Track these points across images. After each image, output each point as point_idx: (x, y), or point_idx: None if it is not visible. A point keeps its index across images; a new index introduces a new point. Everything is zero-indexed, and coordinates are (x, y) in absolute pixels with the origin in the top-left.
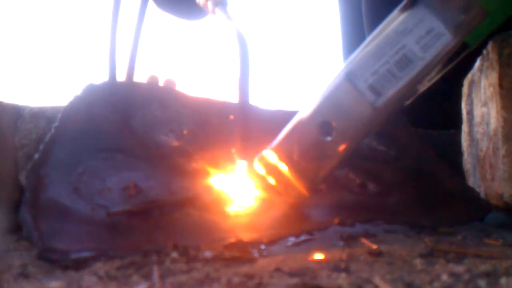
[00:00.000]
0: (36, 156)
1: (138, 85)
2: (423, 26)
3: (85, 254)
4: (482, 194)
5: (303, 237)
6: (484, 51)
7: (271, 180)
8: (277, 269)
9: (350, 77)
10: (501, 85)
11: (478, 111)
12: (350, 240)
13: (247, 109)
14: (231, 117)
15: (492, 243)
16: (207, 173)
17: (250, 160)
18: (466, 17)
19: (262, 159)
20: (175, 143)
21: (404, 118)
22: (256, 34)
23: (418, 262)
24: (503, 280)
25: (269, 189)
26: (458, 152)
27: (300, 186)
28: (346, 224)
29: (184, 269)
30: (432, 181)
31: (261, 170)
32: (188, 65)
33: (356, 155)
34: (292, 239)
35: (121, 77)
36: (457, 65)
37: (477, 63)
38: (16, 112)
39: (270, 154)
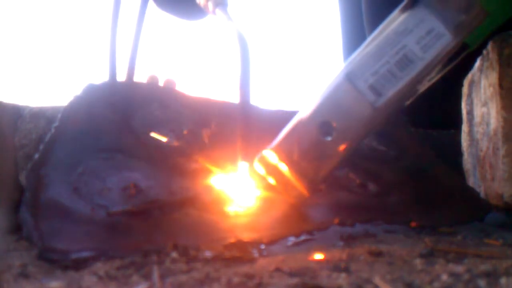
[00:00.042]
0: (36, 156)
1: (138, 85)
2: (423, 27)
3: (85, 254)
4: (482, 194)
5: (303, 237)
6: (484, 51)
7: (271, 180)
8: (277, 269)
9: (350, 77)
10: (501, 85)
11: (478, 111)
12: (350, 240)
13: (248, 109)
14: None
15: (492, 243)
16: (207, 173)
17: (250, 160)
18: (466, 18)
19: (262, 159)
20: (175, 143)
21: (404, 118)
22: (256, 34)
23: (418, 262)
24: (503, 280)
25: (269, 189)
26: (458, 152)
27: (300, 186)
28: (346, 224)
29: (184, 269)
30: (432, 181)
31: (261, 170)
32: (188, 65)
33: (356, 155)
34: (292, 239)
35: (121, 77)
36: (457, 65)
37: (477, 63)
38: (16, 112)
39: (270, 154)
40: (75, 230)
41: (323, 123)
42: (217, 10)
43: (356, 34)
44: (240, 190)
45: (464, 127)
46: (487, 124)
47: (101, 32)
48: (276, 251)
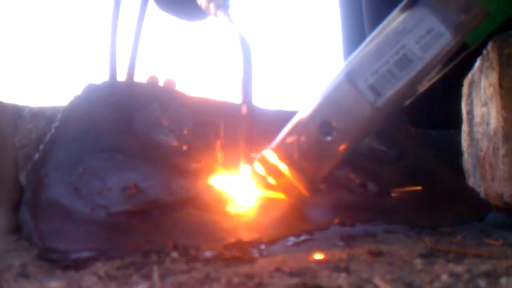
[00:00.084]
0: (36, 156)
1: (138, 85)
2: (423, 26)
3: (85, 254)
4: (482, 194)
5: (303, 237)
6: (484, 51)
7: (271, 180)
8: (277, 269)
9: (350, 77)
10: (501, 85)
11: (478, 111)
12: (350, 240)
13: (250, 110)
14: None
15: (492, 243)
16: (207, 173)
17: (251, 160)
18: (466, 17)
19: (262, 159)
20: (175, 143)
21: (404, 118)
22: (257, 35)
23: (418, 262)
24: (503, 280)
25: (269, 189)
26: (458, 152)
27: (300, 186)
28: (346, 224)
29: (184, 269)
30: (432, 181)
31: (261, 170)
32: (188, 65)
33: (356, 155)
34: (292, 239)
35: (121, 77)
36: (457, 65)
37: (477, 63)
38: (16, 112)
39: (270, 154)
40: (75, 230)
41: (323, 123)
42: (219, 13)
43: (356, 34)
44: (240, 190)
45: (464, 127)
46: (487, 124)
47: (101, 32)
48: (276, 251)
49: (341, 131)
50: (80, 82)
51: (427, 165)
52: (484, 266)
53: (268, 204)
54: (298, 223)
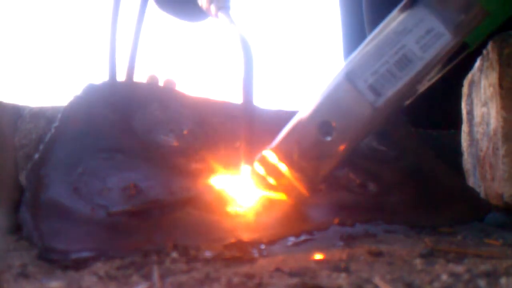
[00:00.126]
0: (36, 156)
1: (138, 85)
2: (423, 26)
3: (85, 254)
4: (482, 194)
5: (303, 237)
6: (484, 51)
7: (271, 180)
8: (277, 269)
9: (350, 77)
10: (501, 85)
11: (478, 111)
12: (350, 240)
13: (251, 110)
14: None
15: (492, 243)
16: (207, 173)
17: (252, 160)
18: (466, 17)
19: (262, 159)
20: (175, 143)
21: (404, 118)
22: (258, 35)
23: (418, 262)
24: (503, 280)
25: (269, 189)
26: (458, 152)
27: (300, 186)
28: (346, 224)
29: (184, 269)
30: (432, 181)
31: (261, 170)
32: (188, 65)
33: (356, 155)
34: (292, 239)
35: (121, 77)
36: (457, 65)
37: (477, 63)
38: (16, 112)
39: (270, 154)
40: (75, 230)
41: (323, 123)
42: (220, 14)
43: (356, 33)
44: (240, 190)
45: (464, 127)
46: (487, 124)
47: (101, 32)
48: (276, 251)
49: (341, 131)
50: (80, 82)
51: (427, 165)
52: (484, 266)
53: (268, 204)
54: (298, 223)
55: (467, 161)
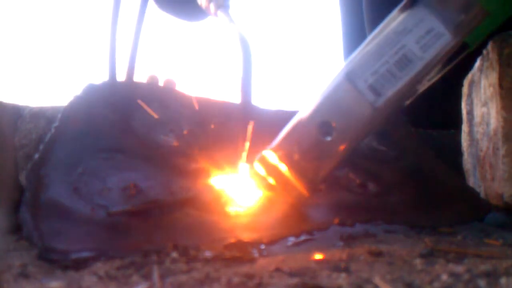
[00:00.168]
0: (36, 156)
1: (138, 85)
2: (423, 26)
3: (85, 254)
4: (482, 194)
5: (303, 237)
6: (484, 51)
7: (271, 180)
8: (277, 269)
9: (350, 77)
10: (501, 85)
11: (478, 111)
12: (350, 240)
13: (249, 110)
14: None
15: (492, 243)
16: (207, 173)
17: (251, 160)
18: (466, 17)
19: (262, 159)
20: (175, 143)
21: (404, 118)
22: (257, 35)
23: (418, 262)
24: (503, 280)
25: (269, 189)
26: (458, 152)
27: (300, 186)
28: (346, 224)
29: (184, 269)
30: (432, 181)
31: (261, 171)
32: (188, 65)
33: (356, 155)
34: (292, 239)
35: (121, 77)
36: (457, 65)
37: (477, 63)
38: (16, 112)
39: (270, 154)
40: (75, 230)
41: (323, 123)
42: (219, 12)
43: (356, 33)
44: (240, 190)
45: (464, 127)
46: (487, 124)
47: (101, 32)
48: (276, 251)
49: (341, 131)
50: (80, 82)
51: (427, 165)
52: (484, 266)
53: (268, 204)
54: (298, 223)
55: (467, 161)
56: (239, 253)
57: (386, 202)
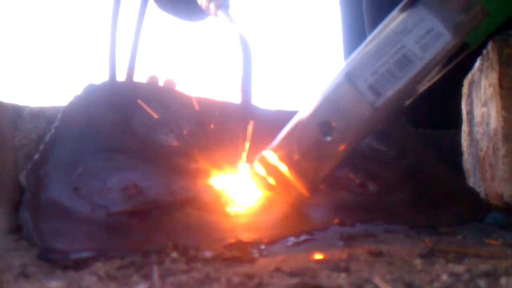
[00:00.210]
0: (36, 156)
1: (138, 85)
2: (422, 26)
3: (85, 254)
4: (482, 194)
5: (303, 237)
6: (484, 51)
7: (271, 180)
8: (277, 269)
9: (350, 77)
10: (501, 85)
11: (478, 111)
12: (350, 240)
13: (249, 110)
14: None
15: (492, 243)
16: (207, 173)
17: (250, 160)
18: (466, 17)
19: (262, 159)
20: (175, 143)
21: (404, 118)
22: (257, 35)
23: (418, 262)
24: (503, 280)
25: (269, 189)
26: (458, 152)
27: (300, 186)
28: (346, 224)
29: (184, 269)
30: (432, 181)
31: (261, 171)
32: (188, 65)
33: (356, 155)
34: (292, 239)
35: (121, 77)
36: (457, 65)
37: (477, 63)
38: (16, 112)
39: (270, 154)
40: (75, 230)
41: (323, 123)
42: (219, 12)
43: (356, 33)
44: (240, 190)
45: (464, 127)
46: (487, 124)
47: (101, 32)
48: (276, 251)
49: (341, 131)
50: (80, 82)
51: (427, 165)
52: (484, 266)
53: (268, 204)
54: (298, 223)
55: (467, 161)
56: (239, 253)
57: (386, 202)
